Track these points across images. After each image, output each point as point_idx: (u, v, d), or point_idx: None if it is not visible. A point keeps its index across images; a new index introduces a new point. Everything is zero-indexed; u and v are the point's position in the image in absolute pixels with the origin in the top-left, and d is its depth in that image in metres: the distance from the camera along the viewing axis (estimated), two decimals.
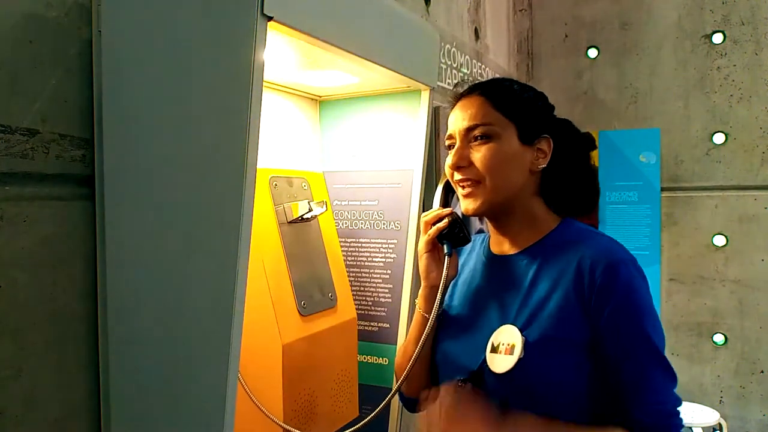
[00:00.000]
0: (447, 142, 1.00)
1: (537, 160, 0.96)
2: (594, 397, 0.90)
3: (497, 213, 0.98)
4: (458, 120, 0.97)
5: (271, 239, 1.06)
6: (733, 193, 2.78)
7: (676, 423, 0.89)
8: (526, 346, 0.89)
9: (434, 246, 1.00)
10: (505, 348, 0.90)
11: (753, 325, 2.75)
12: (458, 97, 1.00)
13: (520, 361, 0.88)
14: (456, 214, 1.00)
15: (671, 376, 0.89)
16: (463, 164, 0.95)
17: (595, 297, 0.88)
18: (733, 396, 2.78)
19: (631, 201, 2.95)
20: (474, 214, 0.97)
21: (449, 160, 0.97)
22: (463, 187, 0.96)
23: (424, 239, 1.01)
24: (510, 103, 0.95)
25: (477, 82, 1.01)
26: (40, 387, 0.81)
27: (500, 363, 0.90)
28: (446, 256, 0.98)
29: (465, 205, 0.96)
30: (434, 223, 1.00)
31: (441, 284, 0.97)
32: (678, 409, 0.89)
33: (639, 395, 0.87)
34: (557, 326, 0.89)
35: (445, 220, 0.99)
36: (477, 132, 0.94)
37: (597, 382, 0.90)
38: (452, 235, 0.99)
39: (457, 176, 0.96)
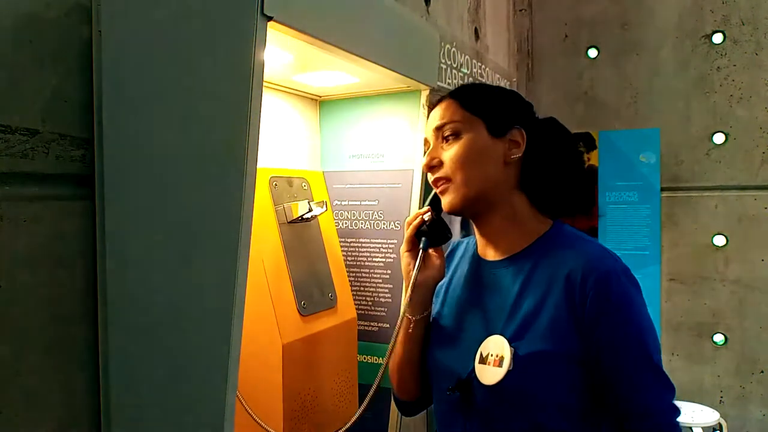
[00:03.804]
0: (423, 147, 1.03)
1: (510, 151, 0.97)
2: (585, 410, 0.90)
3: (477, 208, 0.98)
4: (429, 122, 1.01)
5: (271, 239, 1.06)
6: (733, 193, 2.78)
7: None
8: (516, 358, 0.88)
9: (414, 245, 1.02)
10: (493, 359, 0.90)
11: (753, 325, 2.75)
12: (433, 106, 1.04)
13: (509, 373, 0.88)
14: (435, 212, 1.02)
15: (669, 388, 0.89)
16: (434, 164, 0.98)
17: (588, 311, 0.87)
18: (733, 396, 2.78)
19: (631, 201, 2.94)
20: (452, 210, 0.98)
21: (423, 161, 1.00)
22: (438, 186, 0.98)
23: (404, 238, 1.03)
24: (476, 100, 0.98)
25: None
26: (40, 387, 0.81)
27: (489, 375, 0.90)
28: (421, 251, 0.99)
29: (443, 202, 0.99)
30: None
31: (411, 281, 0.98)
32: (676, 420, 0.89)
33: (637, 409, 0.87)
34: (548, 340, 0.88)
35: (420, 218, 1.02)
36: (446, 131, 0.97)
37: (588, 395, 0.89)
38: (429, 232, 1.01)
39: (431, 177, 0.99)
